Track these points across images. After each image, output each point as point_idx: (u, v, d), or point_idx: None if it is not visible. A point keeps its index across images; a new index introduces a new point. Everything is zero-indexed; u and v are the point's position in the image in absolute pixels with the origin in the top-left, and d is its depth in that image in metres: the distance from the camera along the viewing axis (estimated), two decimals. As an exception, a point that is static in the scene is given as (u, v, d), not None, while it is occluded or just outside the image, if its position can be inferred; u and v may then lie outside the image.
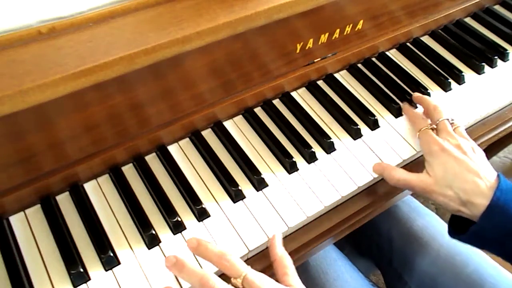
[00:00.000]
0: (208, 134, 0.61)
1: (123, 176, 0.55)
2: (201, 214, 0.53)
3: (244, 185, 0.56)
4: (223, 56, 0.54)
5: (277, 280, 0.45)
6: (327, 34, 0.63)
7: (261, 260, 0.52)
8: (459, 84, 0.72)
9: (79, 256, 0.48)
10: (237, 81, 0.59)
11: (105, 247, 0.49)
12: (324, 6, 0.57)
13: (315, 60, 0.67)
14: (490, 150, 1.28)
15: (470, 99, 0.70)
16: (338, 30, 0.64)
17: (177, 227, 0.51)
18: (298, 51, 0.62)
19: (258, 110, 0.65)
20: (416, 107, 0.66)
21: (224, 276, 0.44)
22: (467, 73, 0.74)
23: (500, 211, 0.48)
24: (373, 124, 0.65)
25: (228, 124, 0.63)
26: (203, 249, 0.46)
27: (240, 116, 0.64)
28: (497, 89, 0.72)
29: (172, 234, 0.51)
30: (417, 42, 0.79)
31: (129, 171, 0.57)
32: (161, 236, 0.51)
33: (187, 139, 0.61)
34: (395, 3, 0.69)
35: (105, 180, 0.56)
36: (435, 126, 0.57)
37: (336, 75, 0.72)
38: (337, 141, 0.62)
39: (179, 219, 0.52)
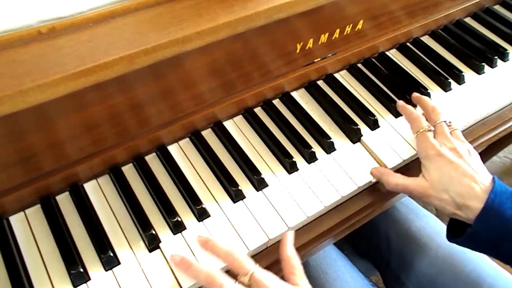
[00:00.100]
0: (208, 134, 0.61)
1: (123, 176, 0.55)
2: (201, 214, 0.53)
3: (244, 185, 0.56)
4: (223, 56, 0.54)
5: (283, 278, 0.46)
6: (327, 34, 0.63)
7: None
8: (459, 84, 0.72)
9: (79, 256, 0.48)
10: (237, 81, 0.59)
11: (105, 247, 0.49)
12: (324, 6, 0.57)
13: (315, 60, 0.67)
14: (490, 150, 1.28)
15: (470, 99, 0.70)
16: (338, 30, 0.64)
17: (177, 227, 0.51)
18: (298, 51, 0.62)
19: (258, 110, 0.65)
20: (416, 107, 0.66)
21: (230, 273, 0.45)
22: (467, 73, 0.74)
23: (494, 214, 0.48)
24: (373, 124, 0.65)
25: (228, 124, 0.63)
26: (212, 245, 0.48)
27: (240, 116, 0.64)
28: (497, 89, 0.72)
29: (172, 234, 0.51)
30: (417, 42, 0.79)
31: (129, 171, 0.57)
32: (161, 236, 0.51)
33: (187, 139, 0.61)
34: (395, 3, 0.69)
35: (105, 180, 0.56)
36: (432, 128, 0.57)
37: (336, 75, 0.72)
38: (337, 141, 0.62)
39: (179, 219, 0.52)
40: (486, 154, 1.31)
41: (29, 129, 0.45)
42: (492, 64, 0.76)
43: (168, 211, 0.52)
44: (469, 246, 0.53)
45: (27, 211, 0.52)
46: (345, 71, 0.73)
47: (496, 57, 0.76)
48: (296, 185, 0.57)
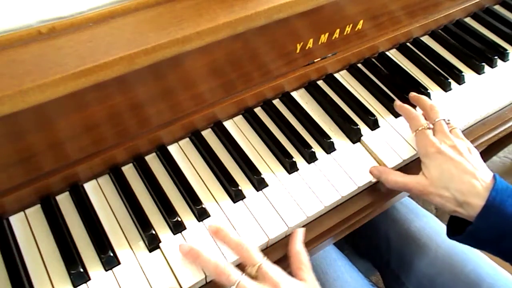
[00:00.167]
0: (208, 134, 0.61)
1: (123, 176, 0.55)
2: (201, 214, 0.53)
3: (244, 185, 0.56)
4: (223, 56, 0.54)
5: (291, 275, 0.47)
6: (327, 34, 0.63)
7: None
8: (459, 84, 0.72)
9: (79, 256, 0.48)
10: (237, 81, 0.59)
11: (105, 247, 0.49)
12: (324, 6, 0.57)
13: (315, 60, 0.67)
14: (490, 150, 1.28)
15: (470, 99, 0.70)
16: (338, 30, 0.64)
17: (177, 227, 0.51)
18: (298, 51, 0.62)
19: (258, 110, 0.65)
20: (415, 107, 0.66)
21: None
22: (467, 73, 0.74)
23: (495, 211, 0.48)
24: (373, 124, 0.65)
25: (228, 124, 0.63)
26: (224, 234, 0.49)
27: (240, 116, 0.64)
28: (497, 89, 0.72)
29: (172, 234, 0.51)
30: (417, 42, 0.79)
31: (129, 171, 0.57)
32: (161, 236, 0.51)
33: (187, 139, 0.61)
34: (395, 3, 0.69)
35: (105, 180, 0.56)
36: (431, 126, 0.57)
37: (336, 75, 0.72)
38: (337, 141, 0.62)
39: (179, 219, 0.52)
40: (486, 154, 1.31)
41: (29, 129, 0.45)
42: (492, 64, 0.76)
43: (168, 211, 0.52)
44: (469, 243, 0.53)
45: (27, 211, 0.52)
46: (345, 71, 0.73)
47: (496, 57, 0.76)
48: (296, 185, 0.57)
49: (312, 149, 0.60)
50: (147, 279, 0.48)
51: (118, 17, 0.47)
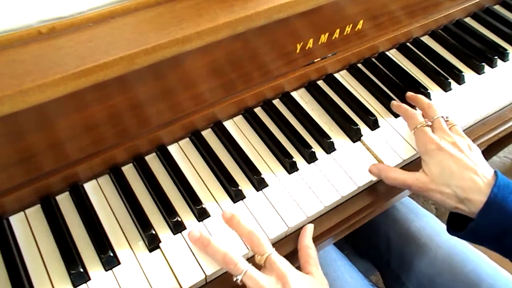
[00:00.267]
0: (208, 134, 0.61)
1: (123, 176, 0.55)
2: (201, 214, 0.53)
3: (244, 185, 0.56)
4: (223, 56, 0.54)
5: (299, 269, 0.48)
6: (327, 34, 0.63)
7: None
8: (459, 84, 0.72)
9: (79, 256, 0.48)
10: (237, 81, 0.59)
11: (105, 247, 0.49)
12: (324, 6, 0.57)
13: (315, 60, 0.67)
14: (490, 150, 1.28)
15: (470, 99, 0.70)
16: (338, 30, 0.64)
17: (177, 227, 0.51)
18: (298, 51, 0.62)
19: (258, 110, 0.65)
20: (413, 107, 0.66)
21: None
22: (467, 73, 0.74)
23: (497, 208, 0.48)
24: (373, 124, 0.65)
25: (228, 124, 0.63)
26: (237, 222, 0.49)
27: (240, 116, 0.64)
28: (497, 89, 0.72)
29: (172, 234, 0.51)
30: (417, 42, 0.79)
31: (129, 171, 0.57)
32: (161, 236, 0.51)
33: (187, 139, 0.61)
34: (395, 3, 0.69)
35: (105, 180, 0.56)
36: (430, 123, 0.57)
37: (336, 75, 0.72)
38: (337, 141, 0.62)
39: (179, 219, 0.52)
40: (486, 154, 1.31)
41: (29, 129, 0.45)
42: (492, 64, 0.76)
43: (168, 211, 0.52)
44: (470, 240, 0.53)
45: (27, 211, 0.52)
46: (345, 71, 0.73)
47: (496, 57, 0.76)
48: (296, 185, 0.57)
49: (312, 149, 0.60)
50: (147, 279, 0.48)
51: (118, 17, 0.47)
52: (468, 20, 0.85)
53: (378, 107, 0.68)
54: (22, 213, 0.52)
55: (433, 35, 0.81)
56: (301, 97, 0.68)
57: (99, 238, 0.50)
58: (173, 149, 0.59)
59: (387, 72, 0.73)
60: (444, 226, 0.56)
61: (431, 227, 0.73)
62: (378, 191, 0.60)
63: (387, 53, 0.76)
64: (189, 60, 0.51)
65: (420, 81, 0.72)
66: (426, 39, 0.80)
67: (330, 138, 0.62)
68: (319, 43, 0.64)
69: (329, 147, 0.61)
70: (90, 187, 0.55)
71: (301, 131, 0.63)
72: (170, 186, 0.56)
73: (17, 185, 0.49)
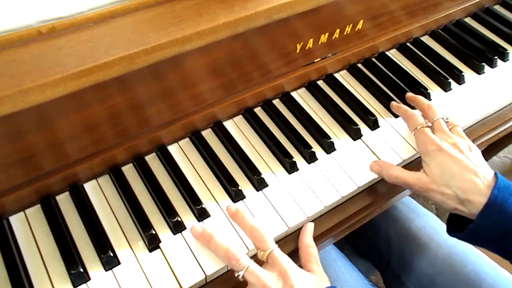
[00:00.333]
0: (208, 134, 0.61)
1: (123, 176, 0.55)
2: (201, 214, 0.53)
3: (244, 185, 0.56)
4: (223, 56, 0.54)
5: (300, 267, 0.48)
6: (327, 34, 0.63)
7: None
8: (459, 84, 0.72)
9: (79, 256, 0.48)
10: (237, 81, 0.59)
11: (105, 247, 0.49)
12: (324, 6, 0.57)
13: (315, 60, 0.67)
14: (490, 150, 1.28)
15: (470, 99, 0.70)
16: (338, 30, 0.64)
17: (177, 227, 0.51)
18: (298, 51, 0.62)
19: (258, 110, 0.65)
20: (413, 108, 0.66)
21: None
22: (467, 73, 0.74)
23: (497, 209, 0.48)
24: (373, 124, 0.65)
25: (228, 124, 0.63)
26: (241, 217, 0.50)
27: (240, 116, 0.64)
28: (497, 89, 0.72)
29: (172, 234, 0.51)
30: (417, 42, 0.79)
31: (129, 171, 0.57)
32: (161, 236, 0.51)
33: (187, 139, 0.61)
34: (395, 3, 0.69)
35: (105, 180, 0.56)
36: (430, 124, 0.57)
37: (336, 75, 0.72)
38: (337, 141, 0.62)
39: (179, 219, 0.52)
40: (486, 154, 1.31)
41: (29, 129, 0.45)
42: (492, 64, 0.76)
43: (168, 211, 0.52)
44: (470, 241, 0.53)
45: (27, 211, 0.52)
46: (345, 71, 0.73)
47: (496, 57, 0.76)
48: (296, 185, 0.57)
49: (312, 149, 0.60)
50: (147, 279, 0.48)
51: (118, 17, 0.47)
52: (468, 20, 0.85)
53: (378, 107, 0.68)
54: (22, 213, 0.52)
55: (433, 35, 0.81)
56: (301, 97, 0.68)
57: (99, 238, 0.50)
58: (173, 149, 0.59)
59: (387, 72, 0.73)
60: (445, 226, 0.56)
61: (432, 226, 0.73)
62: (378, 191, 0.60)
63: (387, 53, 0.76)
64: (189, 60, 0.51)
65: (420, 81, 0.72)
66: (426, 39, 0.80)
67: (330, 138, 0.62)
68: (319, 43, 0.64)
69: (329, 147, 0.61)
70: (90, 187, 0.55)
71: (301, 131, 0.63)
72: (170, 186, 0.56)
73: (17, 185, 0.49)
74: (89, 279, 0.47)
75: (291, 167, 0.58)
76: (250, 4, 0.50)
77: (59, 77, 0.40)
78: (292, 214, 0.54)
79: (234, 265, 0.46)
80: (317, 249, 0.52)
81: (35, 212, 0.52)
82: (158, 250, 0.50)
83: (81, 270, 0.47)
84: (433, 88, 0.72)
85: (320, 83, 0.70)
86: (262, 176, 0.57)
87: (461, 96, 0.71)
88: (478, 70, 0.74)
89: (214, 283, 0.51)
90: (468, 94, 0.71)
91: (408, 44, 0.78)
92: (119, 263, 0.49)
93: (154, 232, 0.50)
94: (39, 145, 0.47)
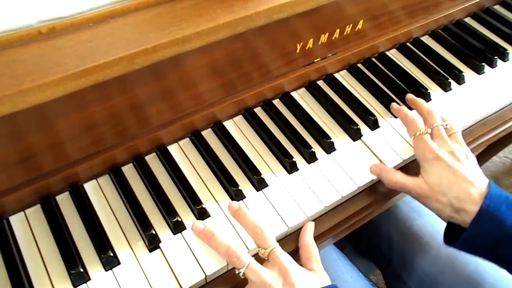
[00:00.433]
0: (208, 134, 0.61)
1: (123, 176, 0.55)
2: (201, 214, 0.53)
3: (244, 185, 0.56)
4: (223, 56, 0.54)
5: (301, 265, 0.48)
6: (327, 34, 0.63)
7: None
8: (459, 84, 0.72)
9: (79, 256, 0.48)
10: (237, 81, 0.59)
11: (105, 247, 0.49)
12: (324, 6, 0.57)
13: (315, 60, 0.67)
14: (490, 150, 1.28)
15: (470, 99, 0.70)
16: (338, 30, 0.64)
17: (177, 227, 0.51)
18: (298, 51, 0.62)
19: (258, 110, 0.65)
20: (412, 109, 0.66)
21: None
22: (467, 73, 0.74)
23: (489, 218, 0.48)
24: (373, 124, 0.65)
25: (228, 124, 0.63)
26: (243, 214, 0.49)
27: (240, 116, 0.64)
28: (497, 89, 0.72)
29: (172, 234, 0.51)
30: (417, 42, 0.79)
31: (129, 171, 0.57)
32: (161, 236, 0.51)
33: (187, 139, 0.61)
34: (395, 3, 0.69)
35: (105, 180, 0.56)
36: (429, 130, 0.57)
37: (336, 75, 0.72)
38: (337, 141, 0.62)
39: (179, 219, 0.52)
40: (486, 154, 1.31)
41: (29, 129, 0.45)
42: (492, 64, 0.76)
43: (168, 211, 0.52)
44: (465, 250, 0.53)
45: (27, 211, 0.52)
46: (345, 71, 0.73)
47: (496, 57, 0.76)
48: (296, 185, 0.57)
49: (312, 149, 0.60)
50: (147, 279, 0.48)
51: (118, 17, 0.47)
52: (468, 20, 0.85)
53: (378, 107, 0.68)
54: (22, 213, 0.52)
55: (433, 35, 0.81)
56: (301, 97, 0.68)
57: (99, 238, 0.50)
58: (173, 149, 0.59)
59: (387, 72, 0.73)
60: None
61: (433, 226, 0.72)
62: (378, 191, 0.60)
63: (387, 53, 0.76)
64: (189, 60, 0.51)
65: (420, 81, 0.72)
66: (426, 39, 0.80)
67: (330, 138, 0.62)
68: (319, 43, 0.64)
69: (329, 147, 0.61)
70: (90, 187, 0.55)
71: (301, 131, 0.63)
72: (170, 186, 0.56)
73: (17, 185, 0.49)
74: (89, 279, 0.47)
75: (291, 167, 0.58)
76: (250, 4, 0.50)
77: (59, 77, 0.40)
78: (292, 214, 0.54)
79: (235, 262, 0.46)
80: (317, 248, 0.52)
81: (35, 212, 0.52)
82: (158, 250, 0.50)
83: (81, 270, 0.47)
84: (433, 88, 0.72)
85: (320, 83, 0.70)
86: (262, 176, 0.57)
87: (461, 96, 0.71)
88: (478, 70, 0.74)
89: (214, 283, 0.51)
90: (468, 94, 0.71)
91: (408, 44, 0.78)
92: (119, 263, 0.49)
93: (154, 232, 0.50)
94: (39, 145, 0.47)
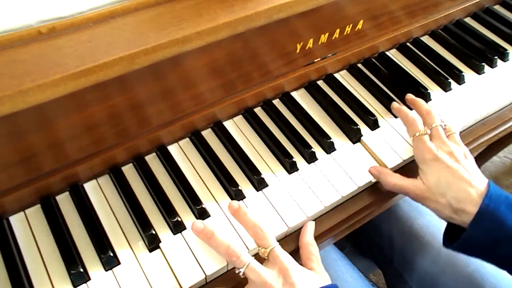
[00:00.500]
0: (208, 134, 0.61)
1: (123, 176, 0.55)
2: (201, 214, 0.53)
3: (244, 185, 0.56)
4: (223, 56, 0.54)
5: (301, 265, 0.48)
6: (327, 34, 0.63)
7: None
8: (459, 84, 0.72)
9: (79, 256, 0.48)
10: (237, 81, 0.59)
11: (105, 247, 0.49)
12: (324, 6, 0.57)
13: (315, 60, 0.67)
14: (490, 150, 1.28)
15: (470, 99, 0.70)
16: (338, 30, 0.64)
17: (177, 227, 0.51)
18: (298, 51, 0.62)
19: (258, 110, 0.65)
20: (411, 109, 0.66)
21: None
22: (467, 73, 0.74)
23: (489, 218, 0.48)
24: (373, 124, 0.65)
25: (228, 124, 0.63)
26: (243, 213, 0.49)
27: (240, 116, 0.64)
28: (497, 89, 0.72)
29: (172, 234, 0.51)
30: (417, 42, 0.79)
31: (129, 171, 0.57)
32: (161, 236, 0.51)
33: (187, 139, 0.61)
34: (395, 3, 0.69)
35: (105, 180, 0.56)
36: (428, 131, 0.57)
37: (336, 75, 0.72)
38: (337, 141, 0.62)
39: (179, 219, 0.52)
40: (486, 154, 1.31)
41: (29, 129, 0.45)
42: (492, 64, 0.76)
43: (168, 211, 0.52)
44: (465, 251, 0.53)
45: (27, 211, 0.52)
46: (345, 71, 0.73)
47: (496, 57, 0.76)
48: (296, 185, 0.57)
49: (312, 149, 0.60)
50: (147, 279, 0.48)
51: (118, 17, 0.47)
52: (468, 20, 0.85)
53: (378, 107, 0.68)
54: (22, 213, 0.52)
55: (433, 35, 0.81)
56: (301, 97, 0.68)
57: (99, 238, 0.50)
58: (173, 149, 0.59)
59: (387, 72, 0.73)
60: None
61: (434, 225, 0.72)
62: (378, 191, 0.60)
63: (387, 53, 0.76)
64: (189, 60, 0.51)
65: (420, 81, 0.72)
66: (426, 39, 0.80)
67: (330, 138, 0.62)
68: (319, 43, 0.64)
69: (329, 147, 0.61)
70: (90, 187, 0.55)
71: (301, 131, 0.63)
72: (170, 186, 0.56)
73: (17, 185, 0.49)
74: (89, 279, 0.47)
75: (291, 167, 0.58)
76: (250, 4, 0.50)
77: (59, 77, 0.40)
78: (292, 214, 0.54)
79: (235, 262, 0.46)
80: (318, 248, 0.52)
81: (35, 212, 0.52)
82: (158, 250, 0.50)
83: (81, 270, 0.47)
84: (433, 88, 0.72)
85: (320, 83, 0.70)
86: (262, 176, 0.57)
87: (461, 96, 0.71)
88: (478, 70, 0.74)
89: (214, 283, 0.51)
90: (468, 94, 0.71)
91: (408, 44, 0.78)
92: (119, 263, 0.49)
93: (154, 232, 0.50)
94: (39, 145, 0.47)
